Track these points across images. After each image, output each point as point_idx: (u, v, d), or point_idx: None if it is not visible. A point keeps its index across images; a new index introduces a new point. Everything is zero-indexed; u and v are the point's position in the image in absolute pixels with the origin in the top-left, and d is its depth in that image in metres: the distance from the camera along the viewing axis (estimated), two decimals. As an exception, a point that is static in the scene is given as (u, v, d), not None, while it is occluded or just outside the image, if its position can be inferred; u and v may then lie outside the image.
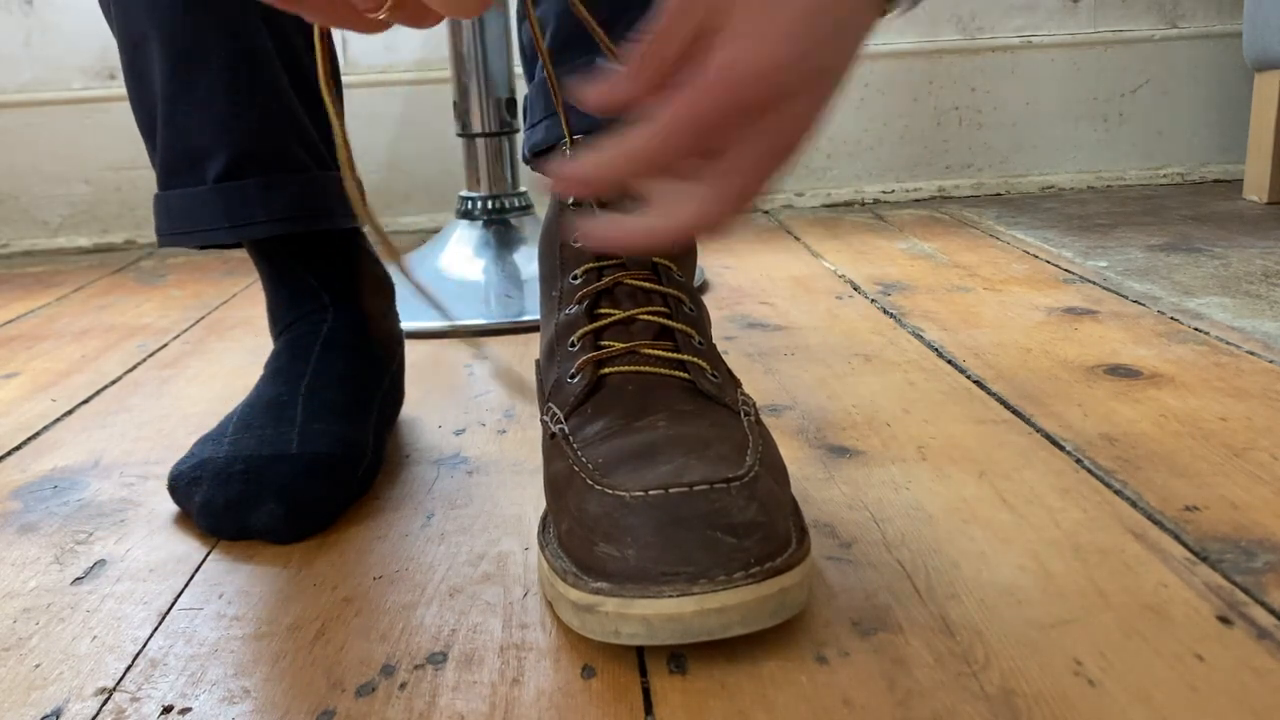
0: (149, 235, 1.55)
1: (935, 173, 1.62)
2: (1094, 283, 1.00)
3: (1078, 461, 0.59)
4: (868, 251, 1.22)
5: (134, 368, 0.88)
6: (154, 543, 0.55)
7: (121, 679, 0.42)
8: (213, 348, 0.93)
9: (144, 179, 1.53)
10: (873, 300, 0.98)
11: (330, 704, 0.40)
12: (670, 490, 0.40)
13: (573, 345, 0.51)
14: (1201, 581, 0.45)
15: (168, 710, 0.40)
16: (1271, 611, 0.43)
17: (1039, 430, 0.64)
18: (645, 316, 0.50)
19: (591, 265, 0.52)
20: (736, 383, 0.51)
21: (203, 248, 0.63)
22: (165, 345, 0.95)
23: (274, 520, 0.53)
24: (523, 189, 1.18)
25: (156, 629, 0.46)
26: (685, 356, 0.49)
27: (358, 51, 1.52)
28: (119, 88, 1.49)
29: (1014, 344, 0.81)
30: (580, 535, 0.42)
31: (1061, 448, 0.61)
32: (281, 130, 0.61)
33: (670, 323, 0.50)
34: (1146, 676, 0.39)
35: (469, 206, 1.16)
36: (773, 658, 0.41)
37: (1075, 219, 1.34)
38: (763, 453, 0.44)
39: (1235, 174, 1.59)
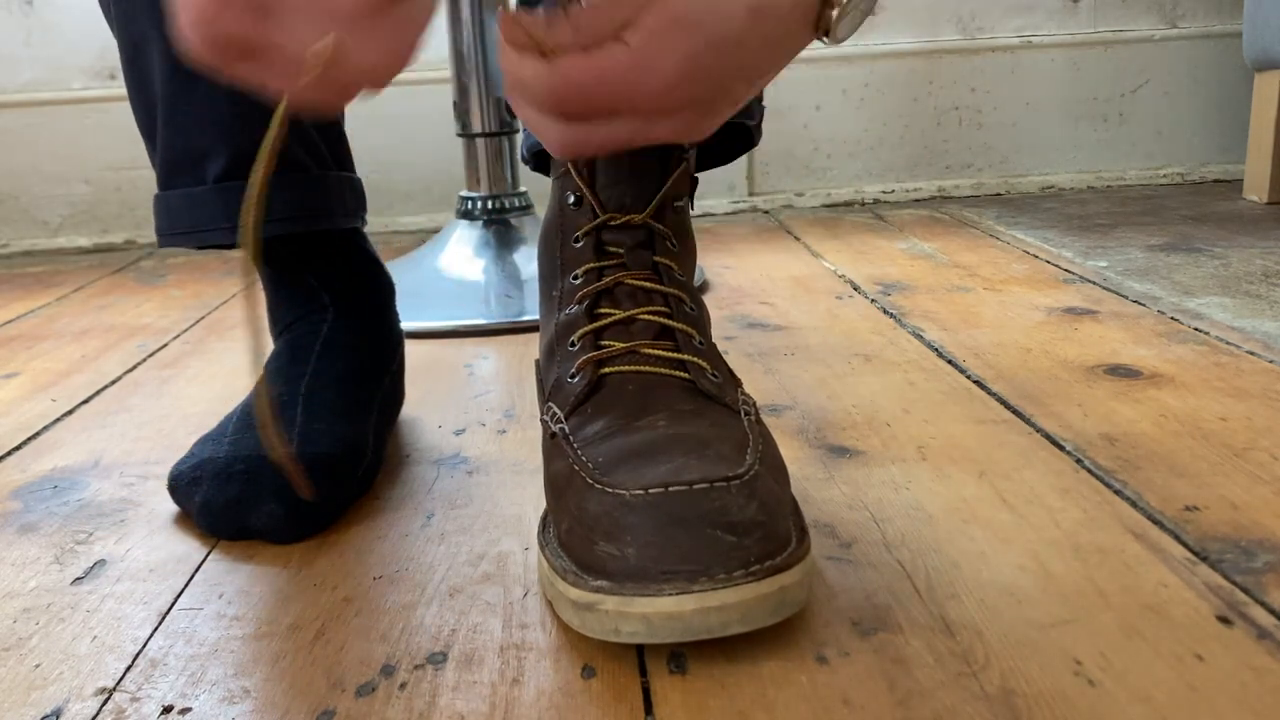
0: (149, 235, 1.55)
1: (935, 173, 1.62)
2: (1094, 283, 1.00)
3: (1078, 461, 0.59)
4: (868, 251, 1.22)
5: (134, 368, 0.88)
6: (154, 543, 0.55)
7: (121, 679, 0.42)
8: (213, 348, 0.94)
9: (144, 179, 1.53)
10: (873, 300, 0.98)
11: (330, 704, 0.40)
12: (670, 489, 0.40)
13: (573, 345, 0.51)
14: (1201, 581, 0.45)
15: (168, 710, 0.40)
16: (1271, 611, 0.43)
17: (1039, 430, 0.64)
18: (645, 316, 0.50)
19: (592, 265, 0.52)
20: (737, 382, 0.51)
21: (202, 248, 0.63)
22: (165, 345, 0.95)
23: (274, 520, 0.53)
24: (523, 189, 1.18)
25: (156, 629, 0.46)
26: (686, 356, 0.49)
27: (358, 51, 1.52)
28: (119, 88, 1.49)
29: (1014, 344, 0.81)
30: (580, 534, 0.42)
31: (1061, 448, 0.61)
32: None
33: (670, 322, 0.50)
34: (1146, 676, 0.39)
35: (469, 206, 1.16)
36: (773, 657, 0.41)
37: (1075, 219, 1.34)
38: (763, 451, 0.44)
39: (1235, 174, 1.59)
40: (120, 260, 1.44)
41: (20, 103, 1.51)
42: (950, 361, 0.78)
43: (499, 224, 1.15)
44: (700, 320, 0.52)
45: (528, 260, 1.10)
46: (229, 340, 0.96)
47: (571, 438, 0.47)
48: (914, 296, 0.99)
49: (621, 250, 0.52)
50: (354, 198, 0.67)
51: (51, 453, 0.69)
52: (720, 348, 0.85)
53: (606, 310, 0.51)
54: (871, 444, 0.63)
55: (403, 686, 0.41)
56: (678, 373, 0.49)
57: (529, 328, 0.95)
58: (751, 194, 1.61)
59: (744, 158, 1.45)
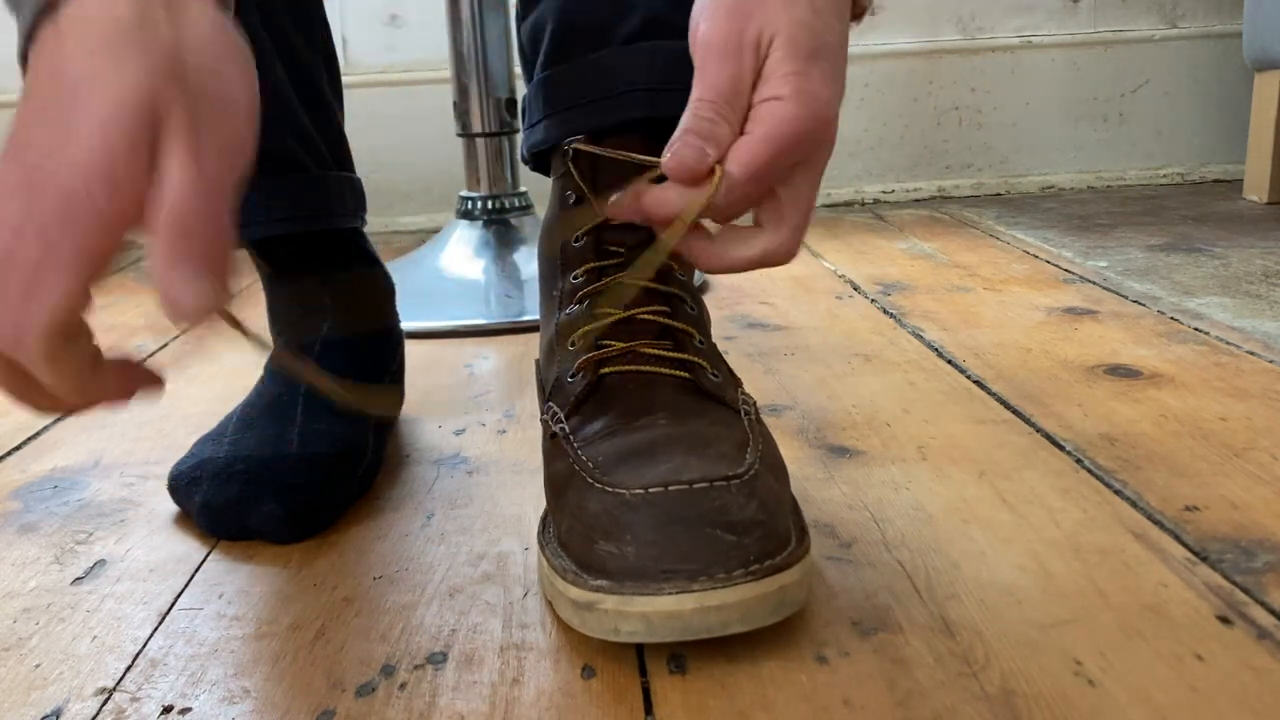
0: (149, 235, 1.55)
1: (935, 173, 1.62)
2: (1094, 283, 1.00)
3: (1078, 461, 0.59)
4: (868, 251, 1.22)
5: (134, 368, 0.88)
6: (154, 543, 0.55)
7: (121, 679, 0.42)
8: (213, 348, 0.93)
9: (144, 179, 1.53)
10: (873, 300, 0.98)
11: (330, 704, 0.40)
12: (670, 488, 0.40)
13: (573, 345, 0.51)
14: (1201, 581, 0.45)
15: (168, 710, 0.40)
16: (1271, 611, 0.43)
17: (1039, 430, 0.64)
18: (646, 316, 0.50)
19: (592, 265, 0.52)
20: (737, 382, 0.51)
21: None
22: (165, 345, 0.95)
23: (274, 520, 0.53)
24: (523, 189, 1.18)
25: (156, 629, 0.46)
26: (686, 356, 0.49)
27: (358, 51, 1.52)
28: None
29: (1014, 344, 0.81)
30: (580, 533, 0.42)
31: (1061, 448, 0.61)
32: (281, 130, 0.61)
33: (671, 322, 0.50)
34: (1146, 676, 0.39)
35: (469, 206, 1.16)
36: (773, 658, 0.41)
37: (1075, 219, 1.34)
38: (763, 451, 0.44)
39: (1235, 174, 1.59)
40: (120, 260, 1.44)
41: (20, 103, 1.51)
42: (950, 361, 0.78)
43: (499, 224, 1.15)
44: (700, 320, 0.52)
45: (528, 260, 1.10)
46: (229, 340, 0.96)
47: (571, 437, 0.47)
48: (914, 296, 0.99)
49: (622, 250, 0.52)
50: (354, 198, 0.67)
51: (51, 453, 0.69)
52: (720, 348, 0.85)
53: (607, 310, 0.51)
54: (871, 444, 0.63)
55: (403, 687, 0.41)
56: (678, 372, 0.49)
57: (529, 328, 0.95)
58: (751, 194, 1.60)
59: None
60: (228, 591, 0.49)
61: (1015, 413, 0.67)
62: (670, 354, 0.50)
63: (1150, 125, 1.61)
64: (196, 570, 0.51)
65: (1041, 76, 1.59)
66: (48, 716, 0.40)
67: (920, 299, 0.97)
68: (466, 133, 1.15)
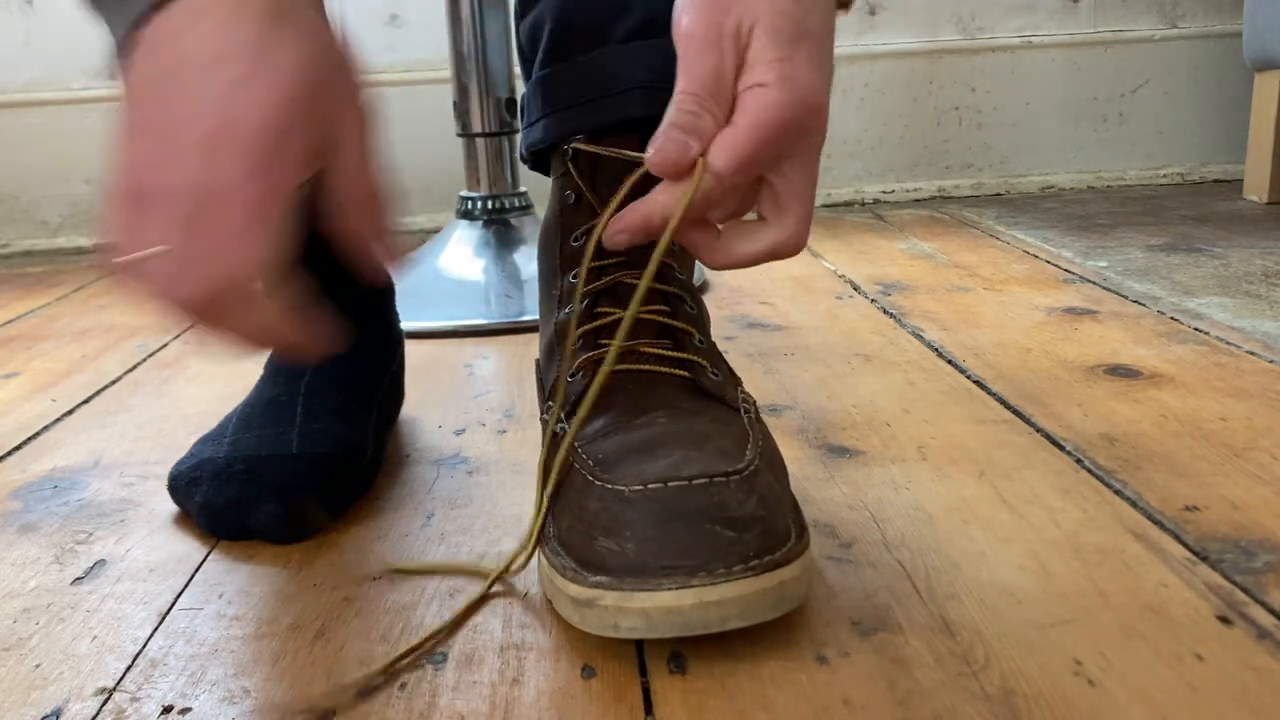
0: (149, 235, 1.55)
1: (935, 173, 1.62)
2: (1094, 283, 1.00)
3: (1078, 461, 0.59)
4: (868, 251, 1.22)
5: (134, 368, 0.88)
6: (154, 543, 0.55)
7: (121, 679, 0.42)
8: (213, 348, 0.93)
9: (144, 179, 1.53)
10: (873, 300, 0.98)
11: (330, 704, 0.40)
12: (669, 484, 0.40)
13: (573, 344, 0.51)
14: (1201, 581, 0.45)
15: (168, 710, 0.40)
16: (1271, 611, 0.43)
17: (1039, 430, 0.64)
18: (646, 315, 0.50)
19: (592, 265, 0.52)
20: (737, 381, 0.51)
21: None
22: (165, 345, 0.95)
23: (273, 520, 0.53)
24: (523, 189, 1.18)
25: (156, 629, 0.46)
26: (686, 355, 0.49)
27: (358, 52, 1.52)
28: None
29: (1014, 344, 0.81)
30: (580, 531, 0.42)
31: (1061, 448, 0.61)
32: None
33: (671, 321, 0.50)
34: (1146, 676, 0.39)
35: (469, 206, 1.16)
36: (773, 657, 0.41)
37: (1075, 219, 1.34)
38: (762, 447, 0.44)
39: (1235, 174, 1.59)
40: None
41: (20, 103, 1.51)
42: (950, 361, 0.78)
43: (499, 224, 1.15)
44: (700, 319, 0.52)
45: (528, 260, 1.10)
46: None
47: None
48: (914, 296, 0.99)
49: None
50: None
51: (51, 453, 0.69)
52: (720, 347, 0.85)
53: (606, 309, 0.51)
54: (871, 444, 0.63)
55: (403, 687, 0.41)
56: (678, 371, 0.49)
57: (529, 328, 0.95)
58: (751, 194, 1.60)
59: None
60: (228, 591, 0.49)
61: (1015, 413, 0.67)
62: (670, 353, 0.50)
63: (1150, 125, 1.61)
64: (196, 570, 0.51)
65: (1041, 76, 1.59)
66: (48, 716, 0.40)
67: (920, 299, 0.97)
68: (466, 133, 1.15)
